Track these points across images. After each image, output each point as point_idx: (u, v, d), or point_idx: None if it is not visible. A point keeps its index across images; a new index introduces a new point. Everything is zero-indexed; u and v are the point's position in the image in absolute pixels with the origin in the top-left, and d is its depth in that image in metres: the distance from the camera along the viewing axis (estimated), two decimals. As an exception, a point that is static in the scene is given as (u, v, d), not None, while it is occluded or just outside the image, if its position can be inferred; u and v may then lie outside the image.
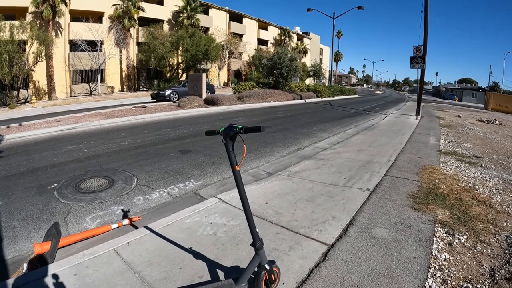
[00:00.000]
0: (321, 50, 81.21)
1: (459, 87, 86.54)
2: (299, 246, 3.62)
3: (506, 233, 4.12)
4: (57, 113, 17.47)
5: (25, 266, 3.40)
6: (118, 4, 33.73)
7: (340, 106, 24.46)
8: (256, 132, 2.56)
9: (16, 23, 25.20)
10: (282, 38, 59.85)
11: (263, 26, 57.71)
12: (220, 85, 45.74)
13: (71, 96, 31.26)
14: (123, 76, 36.30)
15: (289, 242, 3.63)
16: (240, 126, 2.55)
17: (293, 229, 3.95)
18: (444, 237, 3.93)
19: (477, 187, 5.99)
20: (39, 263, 3.36)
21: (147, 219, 4.55)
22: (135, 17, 34.68)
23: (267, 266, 2.80)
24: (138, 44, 36.92)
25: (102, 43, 32.04)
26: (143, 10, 35.31)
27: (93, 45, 31.13)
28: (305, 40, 69.27)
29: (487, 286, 3.06)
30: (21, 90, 27.05)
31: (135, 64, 36.80)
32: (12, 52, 23.90)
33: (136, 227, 4.23)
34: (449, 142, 11.03)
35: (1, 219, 4.72)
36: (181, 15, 39.58)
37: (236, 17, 50.78)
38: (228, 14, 49.16)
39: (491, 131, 15.85)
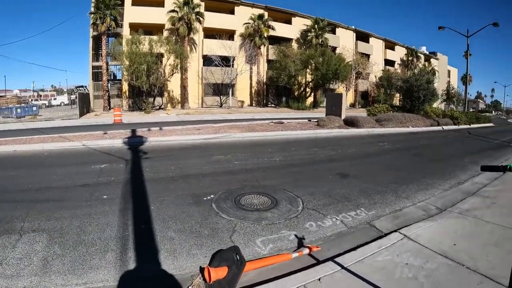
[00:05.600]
0: (449, 72, 74.59)
1: None
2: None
3: None
4: (191, 122, 18.05)
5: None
6: (249, 23, 34.87)
7: (480, 136, 21.89)
8: None
9: (155, 37, 27.56)
10: (410, 58, 56.58)
11: (390, 45, 55.22)
12: (347, 106, 44.28)
13: (202, 106, 32.93)
14: (253, 91, 37.32)
15: None
16: None
17: (494, 279, 3.51)
18: None
19: None
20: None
21: (326, 249, 4.08)
22: (265, 35, 35.40)
23: None
24: (268, 61, 37.64)
25: (234, 59, 33.25)
26: (273, 28, 35.94)
27: (225, 61, 32.46)
28: (432, 60, 64.68)
29: None
30: (157, 98, 29.37)
31: (264, 81, 37.55)
32: (151, 63, 26.09)
33: (316, 260, 3.82)
34: None
35: (155, 226, 4.30)
36: (309, 34, 39.51)
37: (362, 37, 49.34)
38: (354, 34, 47.98)
39: None
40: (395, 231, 4.68)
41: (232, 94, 34.18)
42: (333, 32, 43.77)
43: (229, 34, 34.73)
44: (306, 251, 3.88)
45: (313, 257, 3.86)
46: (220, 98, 33.60)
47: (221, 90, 33.94)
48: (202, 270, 3.11)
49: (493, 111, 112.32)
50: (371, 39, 50.81)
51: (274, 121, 16.37)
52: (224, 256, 3.22)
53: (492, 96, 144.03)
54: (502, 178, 8.56)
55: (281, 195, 5.76)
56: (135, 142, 10.03)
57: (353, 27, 47.46)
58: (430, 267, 3.72)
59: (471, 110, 58.88)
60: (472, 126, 29.38)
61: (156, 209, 4.80)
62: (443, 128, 23.59)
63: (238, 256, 3.18)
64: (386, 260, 3.82)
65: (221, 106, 33.01)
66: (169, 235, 4.02)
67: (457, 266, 3.81)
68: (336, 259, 3.68)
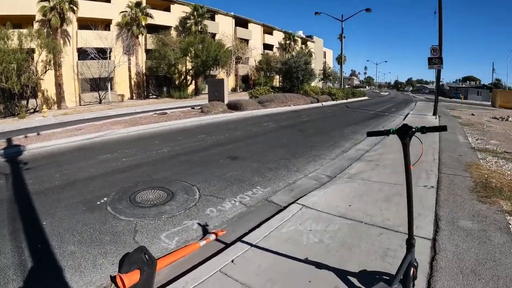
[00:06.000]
0: (325, 53, 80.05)
1: (463, 86, 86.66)
2: (407, 244, 3.54)
3: None
4: (71, 122, 16.76)
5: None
6: (126, 11, 33.02)
7: (357, 108, 24.47)
8: (440, 131, 2.64)
9: (24, 31, 24.39)
10: (287, 42, 59.18)
11: (268, 30, 56.94)
12: (229, 91, 44.33)
13: (80, 104, 30.41)
14: (132, 83, 35.43)
15: (396, 241, 3.70)
16: (419, 126, 2.59)
17: (392, 228, 4.02)
18: (518, 224, 4.32)
19: (523, 179, 6.43)
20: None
21: (231, 232, 4.22)
22: (143, 23, 33.92)
23: (415, 263, 2.83)
24: (147, 51, 36.14)
25: (111, 51, 31.19)
26: (151, 17, 34.58)
27: (102, 53, 30.29)
28: (309, 43, 68.50)
29: None
30: (30, 99, 26.14)
31: (144, 71, 35.95)
32: (21, 61, 23.10)
33: (224, 243, 3.90)
34: (476, 140, 11.57)
35: (52, 243, 3.93)
36: (188, 21, 38.90)
37: (241, 23, 50.03)
38: (234, 20, 48.42)
39: (509, 127, 16.47)
40: (293, 202, 4.95)
41: (111, 89, 32.10)
42: (213, 19, 43.68)
43: (105, 24, 32.39)
44: (213, 237, 3.96)
45: (221, 241, 3.94)
46: (99, 94, 31.12)
47: (99, 85, 31.46)
48: (113, 278, 2.98)
49: (367, 86, 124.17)
50: (250, 25, 51.77)
51: (157, 112, 16.09)
52: (132, 259, 3.09)
53: (365, 73, 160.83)
54: (382, 143, 9.68)
55: (176, 186, 5.79)
56: (12, 153, 9.01)
57: (232, 13, 47.81)
58: (332, 229, 4.03)
59: (347, 86, 64.46)
60: (349, 100, 32.46)
61: (49, 224, 4.41)
62: (322, 104, 25.51)
63: (147, 256, 3.08)
64: (291, 230, 4.02)
65: (100, 102, 30.75)
66: (70, 250, 3.74)
67: (356, 224, 4.19)
68: (244, 239, 3.79)
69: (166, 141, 9.95)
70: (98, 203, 5.09)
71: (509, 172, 7.01)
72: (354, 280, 3.03)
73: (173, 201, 5.14)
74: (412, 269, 2.78)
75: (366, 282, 2.93)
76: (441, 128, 2.58)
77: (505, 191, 5.66)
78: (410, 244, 2.73)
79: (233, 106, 17.99)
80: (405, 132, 2.53)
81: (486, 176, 6.53)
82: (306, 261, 3.30)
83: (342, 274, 3.10)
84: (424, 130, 2.54)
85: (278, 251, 3.48)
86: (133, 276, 2.87)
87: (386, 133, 2.69)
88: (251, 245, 3.62)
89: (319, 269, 3.16)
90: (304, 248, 3.58)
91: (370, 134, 2.96)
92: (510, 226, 4.30)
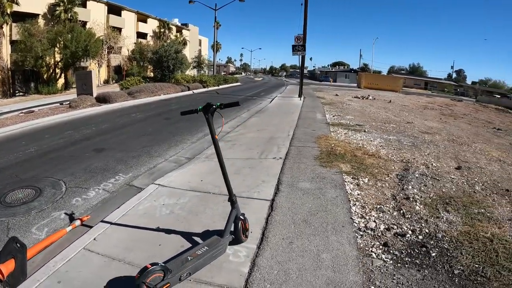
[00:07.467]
0: (200, 41, 79.87)
1: (333, 70, 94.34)
2: (248, 205, 4.18)
3: (395, 172, 5.73)
4: None
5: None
6: (-10, -2, 29.11)
7: (227, 94, 25.10)
8: (234, 106, 3.01)
9: None
10: (162, 30, 57.71)
11: (142, 18, 54.69)
12: (101, 83, 41.66)
13: None
14: None
15: (239, 204, 4.02)
16: (218, 104, 2.94)
17: (237, 195, 4.27)
18: (352, 181, 5.17)
19: (365, 146, 7.67)
20: (10, 286, 2.93)
21: (96, 216, 4.45)
22: (9, 11, 30.08)
23: (241, 217, 3.22)
24: (12, 42, 32.08)
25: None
26: (17, 3, 30.79)
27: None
28: (184, 31, 67.57)
29: (393, 204, 4.38)
30: None
31: (9, 66, 31.88)
32: None
33: (89, 226, 4.07)
34: (333, 116, 12.87)
35: None
36: (57, 8, 35.40)
37: (114, 10, 47.23)
38: (106, 7, 45.41)
39: (367, 105, 18.64)
40: (153, 183, 5.32)
41: (-27, 89, 27.78)
42: (84, 5, 40.42)
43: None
44: (78, 222, 4.15)
45: (87, 225, 4.13)
46: (-39, 96, 26.73)
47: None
48: (-9, 275, 3.05)
49: (243, 73, 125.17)
50: (124, 12, 49.27)
51: (24, 111, 15.04)
52: (6, 251, 3.15)
53: (241, 60, 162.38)
54: (243, 124, 10.35)
55: (44, 183, 5.91)
56: None
57: (105, 0, 44.95)
58: (183, 201, 4.46)
59: (222, 73, 65.01)
60: (221, 87, 33.24)
61: None
62: (193, 92, 25.91)
63: (18, 244, 3.13)
64: (147, 207, 4.37)
65: (-37, 106, 26.29)
66: None
67: (205, 195, 4.68)
68: (105, 219, 4.05)
69: (33, 140, 9.55)
70: (-33, 211, 4.95)
71: (355, 141, 8.08)
72: (197, 238, 3.47)
73: (41, 196, 5.30)
74: (240, 222, 3.14)
75: (207, 239, 3.17)
76: (235, 104, 2.95)
77: (347, 156, 6.54)
78: (232, 201, 3.06)
79: (102, 99, 17.50)
80: (208, 109, 2.88)
81: (332, 145, 7.42)
82: (158, 229, 3.70)
83: (187, 236, 3.53)
84: (222, 106, 2.89)
85: (135, 225, 3.84)
86: (9, 265, 2.96)
87: (195, 111, 3.00)
88: (111, 223, 3.93)
89: (168, 235, 3.58)
90: (157, 219, 3.97)
91: (183, 113, 3.24)
92: (346, 182, 5.00)
